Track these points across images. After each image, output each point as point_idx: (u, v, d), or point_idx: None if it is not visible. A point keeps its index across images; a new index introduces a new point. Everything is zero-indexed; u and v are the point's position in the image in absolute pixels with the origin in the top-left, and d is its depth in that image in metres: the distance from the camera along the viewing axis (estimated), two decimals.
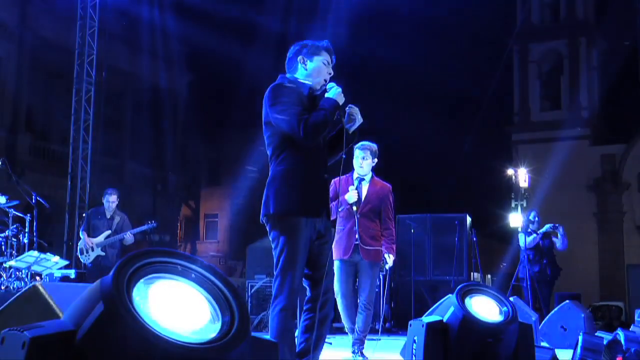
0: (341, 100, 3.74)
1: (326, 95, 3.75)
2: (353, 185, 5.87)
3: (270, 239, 3.69)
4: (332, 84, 3.80)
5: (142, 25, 22.49)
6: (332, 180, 5.54)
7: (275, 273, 3.66)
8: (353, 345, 5.78)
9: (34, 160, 19.57)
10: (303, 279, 3.71)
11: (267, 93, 3.74)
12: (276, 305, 3.59)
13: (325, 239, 3.77)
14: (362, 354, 5.72)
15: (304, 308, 3.70)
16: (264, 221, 3.73)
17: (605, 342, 4.83)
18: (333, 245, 5.41)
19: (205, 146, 30.93)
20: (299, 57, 3.82)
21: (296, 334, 3.77)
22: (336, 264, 5.59)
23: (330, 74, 3.85)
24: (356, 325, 5.77)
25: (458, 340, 3.97)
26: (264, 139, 3.79)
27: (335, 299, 3.93)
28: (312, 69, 3.81)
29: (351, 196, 5.76)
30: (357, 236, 5.72)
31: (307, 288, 3.74)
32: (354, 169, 5.93)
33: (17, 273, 8.93)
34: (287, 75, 3.87)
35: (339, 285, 5.64)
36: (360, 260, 5.76)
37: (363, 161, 5.87)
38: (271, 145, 3.74)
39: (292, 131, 3.59)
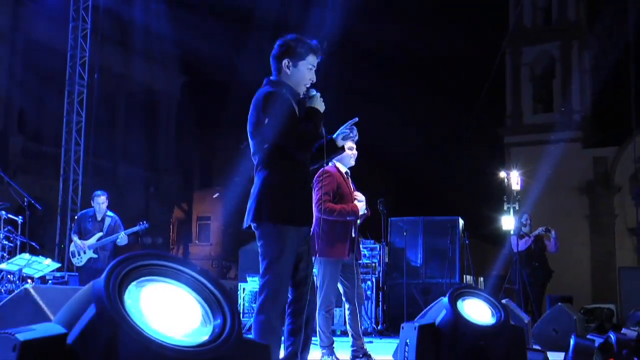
0: (322, 108, 3.75)
1: (312, 104, 3.75)
2: (347, 179, 5.68)
3: (259, 245, 3.70)
4: (314, 91, 3.80)
5: (134, 27, 22.47)
6: (328, 172, 5.39)
7: (262, 280, 3.66)
8: (359, 350, 5.65)
9: (26, 162, 19.53)
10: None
11: (255, 100, 3.72)
12: (264, 310, 3.59)
13: (306, 240, 3.81)
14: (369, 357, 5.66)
15: (287, 311, 3.70)
16: (252, 227, 3.73)
17: (597, 344, 4.84)
18: (328, 244, 5.36)
19: (198, 148, 30.93)
20: (285, 62, 3.79)
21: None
22: (333, 264, 5.42)
23: (311, 80, 3.83)
24: (352, 328, 5.67)
25: (450, 343, 3.98)
26: (250, 146, 3.78)
27: (315, 300, 3.90)
28: (295, 76, 3.79)
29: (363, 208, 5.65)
30: (353, 235, 5.61)
31: (290, 290, 3.75)
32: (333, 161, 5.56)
33: (9, 276, 8.91)
34: (273, 78, 3.84)
35: (330, 290, 5.46)
36: (353, 261, 5.64)
37: (354, 151, 5.67)
38: (258, 153, 3.73)
39: (285, 143, 3.60)
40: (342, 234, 5.49)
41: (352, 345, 5.64)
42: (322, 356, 5.49)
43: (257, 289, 10.14)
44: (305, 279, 3.72)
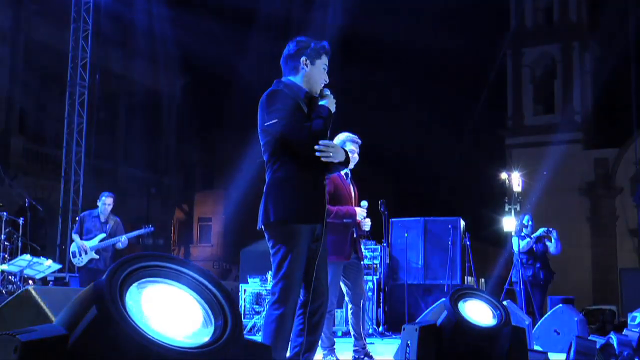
0: (333, 109, 3.74)
1: (321, 102, 3.74)
2: (349, 183, 5.69)
3: (270, 245, 3.66)
4: (328, 91, 3.79)
5: (135, 28, 22.47)
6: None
7: (274, 279, 3.63)
8: (360, 350, 5.65)
9: (27, 163, 19.51)
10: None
11: (263, 99, 3.70)
12: (275, 310, 3.57)
13: (321, 241, 3.74)
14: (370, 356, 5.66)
15: (298, 313, 3.69)
16: (263, 228, 3.70)
17: (598, 345, 4.84)
18: (331, 247, 5.35)
19: (199, 150, 30.93)
20: (303, 59, 3.77)
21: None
22: (334, 266, 5.34)
23: (325, 80, 3.83)
24: (354, 329, 5.66)
25: (451, 344, 3.98)
26: (260, 146, 3.76)
27: (327, 302, 3.87)
28: (312, 74, 3.78)
29: (367, 224, 5.65)
30: (355, 236, 5.60)
31: (301, 291, 3.73)
32: None
33: (10, 277, 8.91)
34: (284, 79, 3.83)
35: (333, 290, 5.39)
36: (355, 261, 5.63)
37: (356, 156, 5.64)
38: (267, 152, 3.70)
39: (292, 139, 3.58)
40: (342, 236, 5.48)
41: (354, 346, 5.65)
42: (324, 357, 5.49)
43: (258, 291, 10.16)
44: (318, 280, 3.68)
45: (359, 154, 5.71)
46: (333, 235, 5.38)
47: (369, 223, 5.73)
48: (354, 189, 5.76)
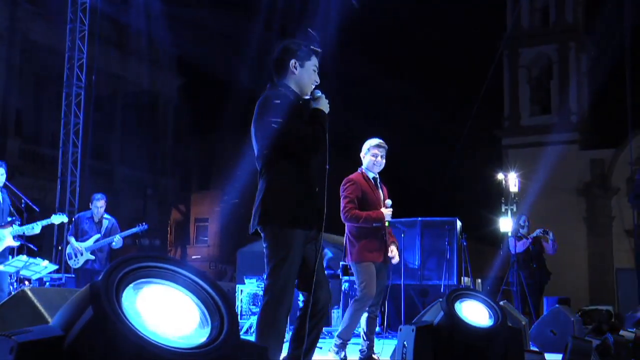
0: (327, 109, 3.74)
1: (317, 105, 3.73)
2: (377, 187, 5.74)
3: (264, 247, 3.65)
4: (319, 92, 3.79)
5: (132, 29, 22.45)
6: (351, 180, 5.59)
7: (268, 280, 3.62)
8: (367, 349, 5.68)
9: (23, 163, 19.47)
10: (296, 286, 3.70)
11: (259, 104, 3.69)
12: (269, 311, 3.56)
13: (317, 242, 3.73)
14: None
15: (299, 314, 3.68)
16: (258, 230, 3.68)
17: (594, 346, 4.85)
18: (359, 249, 5.40)
19: (195, 150, 30.88)
20: (292, 62, 3.77)
21: (286, 338, 3.75)
22: (367, 267, 5.48)
23: (316, 81, 3.82)
24: (365, 330, 5.66)
25: (448, 344, 3.98)
26: (254, 150, 3.75)
27: (327, 307, 3.85)
28: (302, 76, 3.77)
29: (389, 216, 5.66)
30: (385, 238, 5.63)
31: (301, 293, 3.72)
32: (361, 166, 5.76)
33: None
34: (276, 81, 3.83)
35: (369, 290, 5.45)
36: (382, 264, 5.64)
37: (381, 160, 5.75)
38: (262, 157, 3.69)
39: (290, 145, 3.58)
40: (371, 239, 5.56)
41: (361, 345, 5.66)
42: (333, 345, 5.54)
43: (255, 291, 10.15)
44: (319, 283, 3.66)
45: (383, 157, 5.77)
46: (364, 238, 5.55)
47: (390, 213, 5.73)
48: (382, 192, 5.79)
